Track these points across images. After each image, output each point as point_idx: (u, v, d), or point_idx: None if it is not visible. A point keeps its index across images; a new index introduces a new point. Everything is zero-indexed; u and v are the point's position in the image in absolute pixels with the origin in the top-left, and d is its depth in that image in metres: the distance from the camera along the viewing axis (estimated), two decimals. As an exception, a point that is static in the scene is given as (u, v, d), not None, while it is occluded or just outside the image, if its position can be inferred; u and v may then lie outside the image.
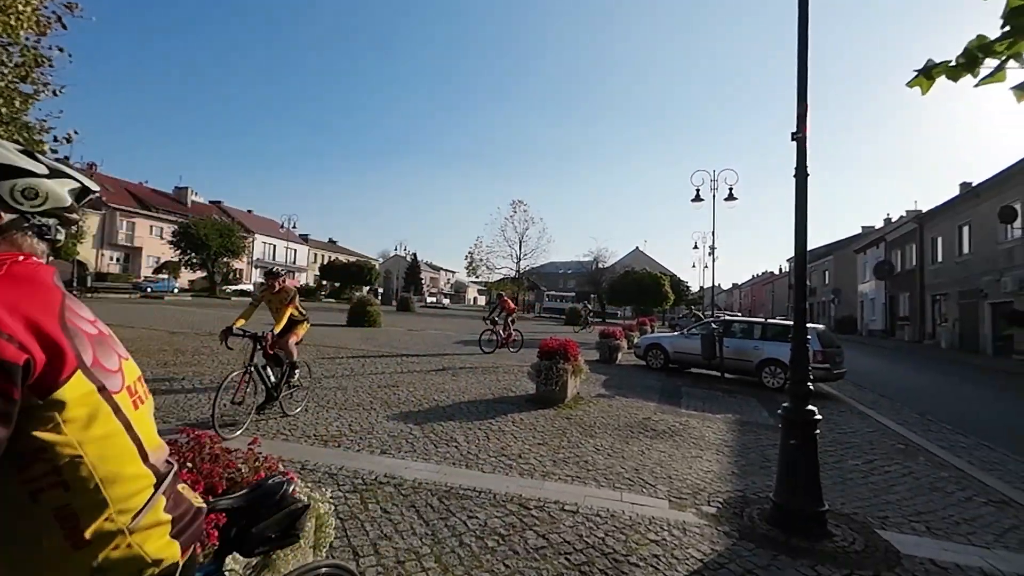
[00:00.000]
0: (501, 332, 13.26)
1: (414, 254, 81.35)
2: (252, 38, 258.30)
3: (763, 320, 11.93)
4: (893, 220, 43.91)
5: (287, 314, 5.58)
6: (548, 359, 7.38)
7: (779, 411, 3.88)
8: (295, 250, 67.69)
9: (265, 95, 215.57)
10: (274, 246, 63.33)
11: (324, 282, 58.17)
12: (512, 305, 14.02)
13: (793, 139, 3.87)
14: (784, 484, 3.70)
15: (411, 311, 36.71)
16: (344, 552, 2.86)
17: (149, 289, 35.69)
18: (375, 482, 3.94)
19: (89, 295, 28.71)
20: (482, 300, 68.05)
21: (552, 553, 3.04)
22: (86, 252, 37.16)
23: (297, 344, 5.98)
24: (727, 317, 16.19)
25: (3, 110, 5.57)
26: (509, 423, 6.08)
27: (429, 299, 65.63)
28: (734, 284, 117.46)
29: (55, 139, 6.48)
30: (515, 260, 44.80)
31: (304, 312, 6.12)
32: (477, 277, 48.35)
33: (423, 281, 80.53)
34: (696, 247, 30.33)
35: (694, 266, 53.84)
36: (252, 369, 5.06)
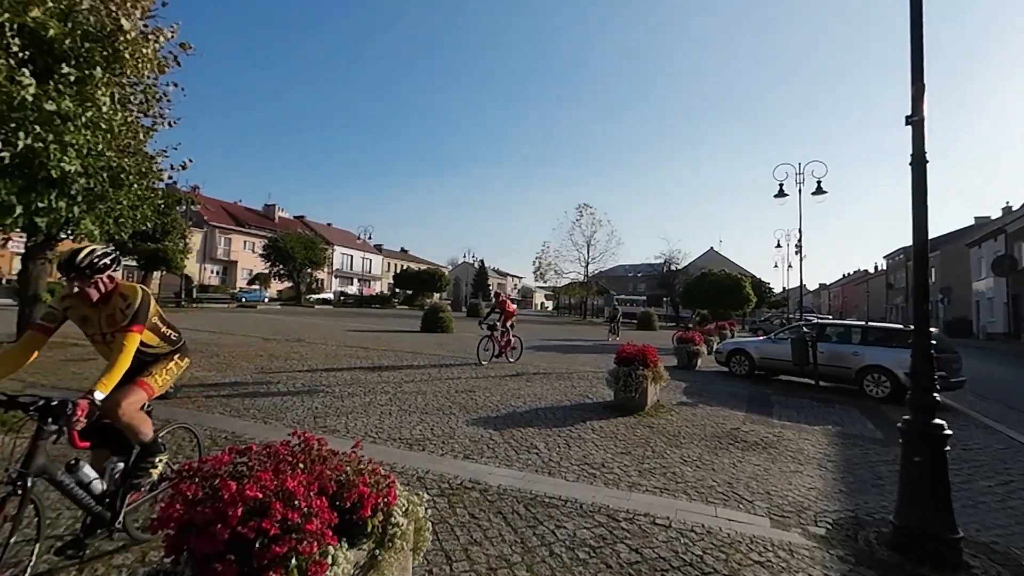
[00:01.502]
0: (499, 339, 11.56)
1: (481, 261, 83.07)
2: (327, 62, 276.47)
3: (863, 323, 10.94)
4: (1014, 208, 38.92)
5: (131, 348, 2.47)
6: (627, 365, 7.17)
7: (899, 424, 3.50)
8: (370, 260, 71.27)
9: (343, 115, 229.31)
10: (351, 256, 67.08)
11: (397, 290, 60.69)
12: (512, 307, 12.24)
13: (908, 123, 3.50)
14: (907, 505, 3.32)
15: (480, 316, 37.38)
16: (437, 556, 2.90)
17: (244, 299, 38.99)
18: (460, 486, 3.98)
19: (195, 305, 31.83)
20: (549, 305, 67.88)
21: (647, 569, 2.90)
22: (191, 266, 41.23)
23: (160, 397, 2.98)
24: (817, 320, 15.02)
25: (131, 142, 6.31)
26: (589, 431, 5.96)
27: None
28: (821, 284, 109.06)
29: (171, 167, 7.27)
30: (583, 264, 44.27)
31: (176, 336, 3.02)
32: (545, 282, 48.27)
33: (491, 287, 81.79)
34: (779, 245, 28.37)
35: (776, 266, 50.60)
36: (27, 484, 2.10)
